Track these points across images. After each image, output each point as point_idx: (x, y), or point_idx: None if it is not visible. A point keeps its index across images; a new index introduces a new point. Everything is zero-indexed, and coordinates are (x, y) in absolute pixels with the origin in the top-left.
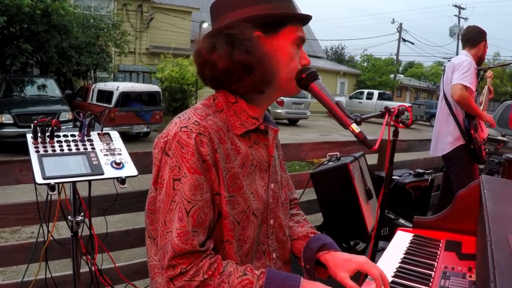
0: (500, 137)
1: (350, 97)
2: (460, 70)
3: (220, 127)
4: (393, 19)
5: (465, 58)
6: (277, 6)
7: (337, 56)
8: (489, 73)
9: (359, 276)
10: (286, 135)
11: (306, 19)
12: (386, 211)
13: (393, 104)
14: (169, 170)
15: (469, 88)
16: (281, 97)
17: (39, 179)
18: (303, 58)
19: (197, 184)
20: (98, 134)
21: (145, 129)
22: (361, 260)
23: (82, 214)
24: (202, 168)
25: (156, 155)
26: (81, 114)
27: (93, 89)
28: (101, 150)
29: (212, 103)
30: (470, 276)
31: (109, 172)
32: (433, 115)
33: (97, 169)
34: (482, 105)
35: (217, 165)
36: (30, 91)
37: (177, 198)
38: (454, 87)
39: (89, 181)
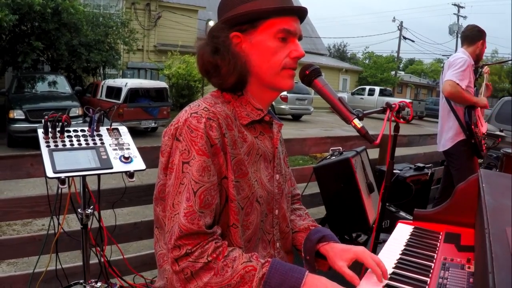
0: (498, 132)
1: (352, 93)
2: (453, 67)
3: (228, 115)
4: (394, 18)
5: (460, 55)
6: (259, 3)
7: (340, 53)
8: (486, 69)
9: (360, 268)
10: (289, 130)
11: (293, 10)
12: (387, 204)
13: (394, 100)
14: (179, 154)
15: (459, 85)
16: (285, 93)
17: (49, 173)
18: (294, 51)
19: (205, 166)
20: (107, 129)
21: (153, 124)
22: (358, 250)
23: (91, 207)
24: (210, 152)
25: (167, 141)
26: (90, 109)
27: (102, 86)
28: (110, 144)
29: (220, 94)
30: (469, 267)
31: (118, 166)
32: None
33: (106, 163)
34: None
35: (225, 149)
36: (41, 87)
37: (185, 180)
38: (444, 84)
39: (99, 175)
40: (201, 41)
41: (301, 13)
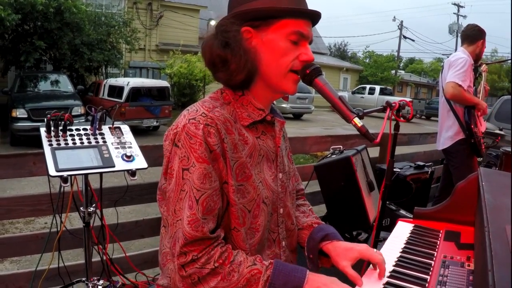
0: (497, 131)
1: (353, 92)
2: (454, 68)
3: (227, 119)
4: (394, 17)
5: (461, 55)
6: (274, 1)
7: (340, 52)
8: (484, 67)
9: (361, 265)
10: (291, 129)
11: (308, 14)
12: (387, 202)
13: (394, 99)
14: (179, 160)
15: (461, 86)
16: None
17: (52, 171)
18: (303, 54)
19: (206, 173)
20: (109, 128)
21: (155, 123)
22: (362, 248)
23: (93, 205)
24: (210, 158)
25: (167, 146)
26: (93, 108)
27: (104, 85)
28: (112, 143)
29: (220, 96)
30: (469, 265)
31: (120, 164)
32: None
33: (108, 162)
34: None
35: (224, 155)
36: (44, 86)
37: (186, 187)
38: (446, 85)
39: (101, 173)
40: (209, 34)
41: (314, 17)
